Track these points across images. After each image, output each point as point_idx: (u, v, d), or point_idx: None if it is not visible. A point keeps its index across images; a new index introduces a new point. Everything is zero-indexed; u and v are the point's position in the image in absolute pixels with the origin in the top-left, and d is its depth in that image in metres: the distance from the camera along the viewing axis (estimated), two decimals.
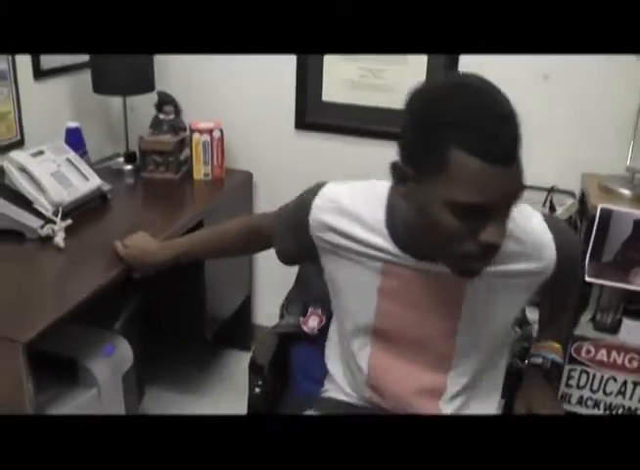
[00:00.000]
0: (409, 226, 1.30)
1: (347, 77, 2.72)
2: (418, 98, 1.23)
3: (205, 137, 2.70)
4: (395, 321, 1.44)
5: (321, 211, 1.46)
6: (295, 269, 2.76)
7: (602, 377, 2.36)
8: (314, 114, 2.80)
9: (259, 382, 1.78)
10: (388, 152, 2.85)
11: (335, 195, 1.46)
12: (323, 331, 1.75)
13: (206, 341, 2.84)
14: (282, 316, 1.90)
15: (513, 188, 1.16)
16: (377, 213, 1.40)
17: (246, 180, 2.92)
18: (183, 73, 2.87)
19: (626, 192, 2.31)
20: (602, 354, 2.34)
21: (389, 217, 1.38)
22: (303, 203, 1.51)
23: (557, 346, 1.62)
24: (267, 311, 3.09)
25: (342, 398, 1.61)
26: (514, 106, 1.19)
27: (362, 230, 1.40)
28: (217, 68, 2.84)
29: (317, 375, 1.73)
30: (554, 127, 2.58)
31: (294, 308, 1.86)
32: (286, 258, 1.69)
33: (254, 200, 3.00)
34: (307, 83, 2.76)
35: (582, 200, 2.45)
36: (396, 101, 2.61)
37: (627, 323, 2.33)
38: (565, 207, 2.48)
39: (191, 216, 2.45)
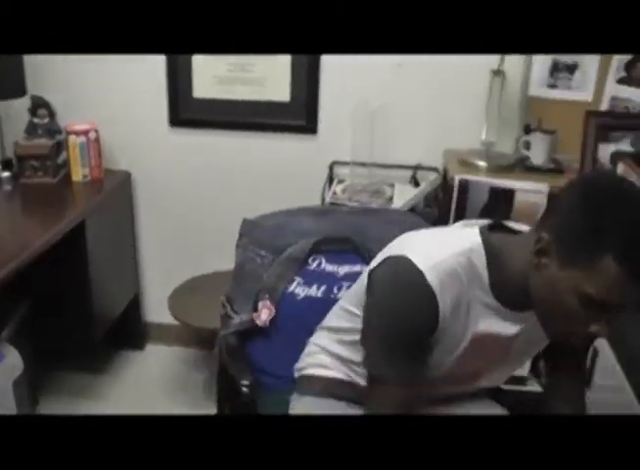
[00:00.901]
0: (515, 282, 1.33)
1: (216, 73, 2.81)
2: (594, 190, 1.23)
3: (82, 139, 2.73)
4: (466, 365, 1.46)
5: (443, 288, 1.34)
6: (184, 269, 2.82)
7: None
8: (187, 110, 2.88)
9: (246, 382, 1.73)
10: (260, 142, 3.01)
11: (444, 269, 1.34)
12: (272, 322, 1.78)
13: (98, 343, 2.84)
14: (227, 317, 1.86)
15: None
16: (482, 278, 1.37)
17: (124, 180, 2.97)
18: (56, 77, 2.88)
19: (482, 164, 2.51)
20: None
21: (493, 275, 1.36)
22: (424, 295, 1.33)
23: None
24: (158, 308, 3.15)
25: (327, 373, 1.63)
26: None
27: (470, 294, 1.38)
28: (89, 69, 2.86)
29: (279, 370, 1.77)
30: (415, 111, 2.77)
31: (241, 306, 1.84)
32: None
33: (134, 198, 3.05)
34: (178, 80, 2.83)
35: (445, 174, 2.64)
36: (265, 93, 2.78)
37: None
38: (428, 181, 2.68)
39: (71, 218, 2.48)
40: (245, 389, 1.71)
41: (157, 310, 3.20)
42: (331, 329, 1.66)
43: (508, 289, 1.36)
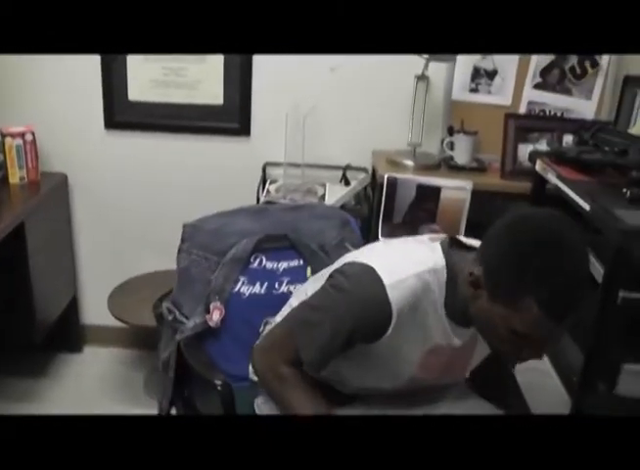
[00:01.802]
0: (464, 303, 1.41)
1: (152, 77, 2.86)
2: (520, 233, 1.30)
3: (18, 141, 2.74)
4: (424, 375, 1.57)
5: (401, 307, 1.42)
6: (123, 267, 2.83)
7: None
8: (122, 113, 2.92)
9: (219, 382, 1.74)
10: (195, 145, 3.07)
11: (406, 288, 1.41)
12: (223, 322, 1.86)
13: (36, 346, 2.84)
14: (176, 321, 1.88)
15: (563, 333, 1.35)
16: (440, 296, 1.45)
17: (61, 182, 2.99)
18: None
19: (409, 163, 2.63)
20: None
21: (449, 295, 1.45)
22: (379, 308, 1.41)
23: None
24: (95, 310, 3.20)
25: None
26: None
27: (429, 310, 1.46)
28: (24, 71, 2.88)
29: (231, 369, 1.84)
30: (345, 113, 2.88)
31: (191, 309, 1.87)
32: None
33: (71, 200, 3.07)
34: (113, 84, 2.87)
35: (374, 174, 2.75)
36: (198, 96, 2.85)
37: None
38: (358, 180, 2.78)
39: (10, 220, 2.49)
40: (220, 388, 1.72)
41: (94, 312, 3.24)
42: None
43: (457, 308, 1.45)
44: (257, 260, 1.89)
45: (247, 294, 1.88)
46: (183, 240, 1.89)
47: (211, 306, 1.83)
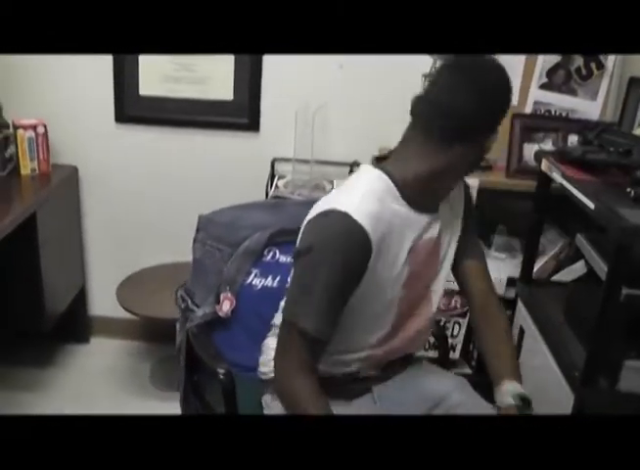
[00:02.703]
0: (422, 182, 1.52)
1: (163, 72, 2.90)
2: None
3: (30, 133, 2.79)
4: (417, 270, 1.62)
5: (370, 227, 1.46)
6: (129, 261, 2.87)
7: None
8: (133, 107, 2.96)
9: (222, 370, 1.77)
10: (205, 140, 3.10)
11: (365, 210, 1.46)
12: (233, 313, 1.86)
13: (44, 335, 2.88)
14: (188, 310, 1.91)
15: None
16: (397, 198, 1.53)
17: (72, 174, 3.03)
18: (2, 72, 2.91)
19: None
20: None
21: (403, 193, 1.52)
22: (351, 234, 1.45)
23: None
24: (103, 301, 3.24)
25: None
26: None
27: (394, 216, 1.53)
28: (37, 64, 2.91)
29: (240, 359, 1.84)
30: (353, 110, 2.92)
31: (202, 299, 1.89)
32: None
33: (81, 192, 3.11)
34: (124, 78, 2.91)
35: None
36: (209, 91, 2.88)
37: None
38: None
39: (21, 211, 2.53)
40: (222, 376, 1.75)
41: (101, 303, 3.27)
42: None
43: (416, 195, 1.53)
44: (271, 254, 1.90)
45: (259, 286, 1.90)
46: (198, 230, 1.92)
47: (222, 296, 1.85)
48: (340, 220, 1.44)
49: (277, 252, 1.91)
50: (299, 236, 1.56)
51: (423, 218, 1.58)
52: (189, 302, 1.92)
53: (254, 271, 1.89)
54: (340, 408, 1.56)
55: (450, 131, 1.48)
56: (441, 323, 2.72)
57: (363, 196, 1.48)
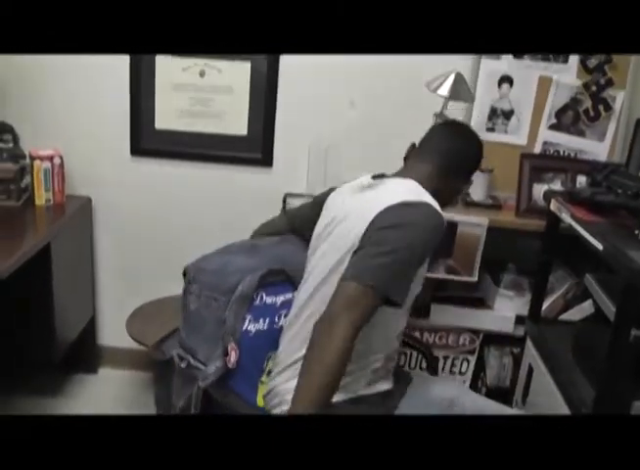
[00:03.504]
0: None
1: (179, 106, 2.95)
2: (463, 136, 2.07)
3: (46, 164, 2.82)
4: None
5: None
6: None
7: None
8: (148, 140, 3.00)
9: None
10: (218, 174, 3.13)
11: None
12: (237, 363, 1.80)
13: (54, 366, 2.89)
14: (193, 368, 1.82)
15: None
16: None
17: (85, 205, 3.06)
18: (20, 102, 2.96)
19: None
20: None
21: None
22: (438, 219, 1.75)
23: None
24: (112, 332, 3.25)
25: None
26: None
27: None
28: (53, 95, 2.96)
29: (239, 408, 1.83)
30: (365, 147, 2.95)
31: (206, 353, 1.81)
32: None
33: (94, 223, 3.14)
34: (141, 111, 2.96)
35: None
36: (223, 126, 2.92)
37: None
38: None
39: (37, 241, 2.55)
40: None
41: (110, 334, 3.29)
42: (288, 366, 1.81)
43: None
44: (259, 297, 1.87)
45: (253, 331, 1.85)
46: (190, 282, 1.87)
47: (229, 348, 1.78)
48: (431, 210, 1.74)
49: (264, 294, 1.88)
50: (383, 217, 1.72)
51: None
52: (190, 359, 1.83)
53: (248, 317, 1.84)
54: None
55: (447, 166, 1.95)
56: (450, 359, 2.75)
57: (426, 195, 1.80)
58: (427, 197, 1.79)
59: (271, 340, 1.89)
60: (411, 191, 1.80)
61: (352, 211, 1.83)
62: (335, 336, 1.56)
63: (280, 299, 1.93)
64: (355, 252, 1.70)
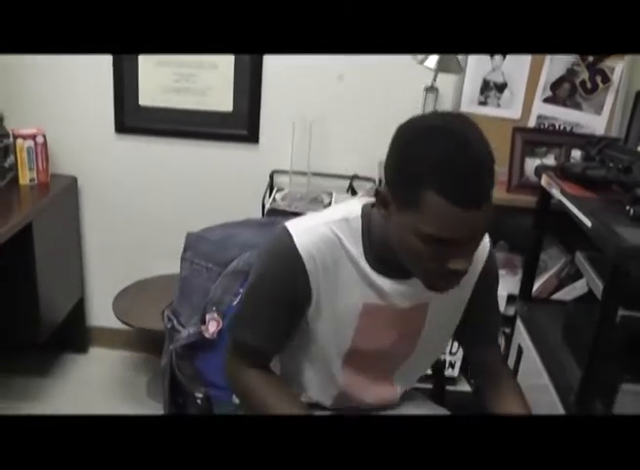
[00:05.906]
0: (386, 246, 1.34)
1: (162, 82, 2.88)
2: (401, 135, 1.25)
3: (29, 143, 2.78)
4: (370, 342, 1.50)
5: (311, 252, 1.39)
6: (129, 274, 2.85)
7: None
8: (132, 118, 2.95)
9: (200, 394, 1.75)
10: (204, 151, 3.08)
11: (313, 237, 1.40)
12: (220, 334, 1.79)
13: (40, 345, 2.87)
14: (174, 330, 1.86)
15: (481, 225, 1.21)
16: (357, 246, 1.41)
17: (71, 184, 3.01)
18: (3, 82, 2.92)
19: None
20: None
21: (366, 245, 1.41)
22: (288, 256, 1.39)
23: None
24: (101, 312, 3.22)
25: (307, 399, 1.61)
26: (490, 148, 1.21)
27: (348, 262, 1.41)
28: (37, 74, 2.91)
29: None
30: (352, 122, 2.88)
31: (188, 319, 1.85)
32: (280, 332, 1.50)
33: (80, 202, 3.10)
34: (124, 89, 2.90)
35: (380, 184, 2.75)
36: (208, 103, 2.86)
37: None
38: (365, 190, 2.79)
39: (18, 220, 2.52)
40: (199, 401, 1.73)
41: (100, 314, 3.26)
42: None
43: (379, 256, 1.40)
44: None
45: None
46: (186, 249, 1.87)
47: (207, 317, 1.79)
48: (282, 241, 1.40)
49: None
50: None
51: (384, 280, 1.43)
52: (175, 322, 1.87)
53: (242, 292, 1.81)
54: None
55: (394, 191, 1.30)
56: None
57: (320, 223, 1.41)
58: (326, 218, 1.42)
59: None
60: (331, 211, 1.47)
61: None
62: (240, 382, 1.52)
63: None
64: None
